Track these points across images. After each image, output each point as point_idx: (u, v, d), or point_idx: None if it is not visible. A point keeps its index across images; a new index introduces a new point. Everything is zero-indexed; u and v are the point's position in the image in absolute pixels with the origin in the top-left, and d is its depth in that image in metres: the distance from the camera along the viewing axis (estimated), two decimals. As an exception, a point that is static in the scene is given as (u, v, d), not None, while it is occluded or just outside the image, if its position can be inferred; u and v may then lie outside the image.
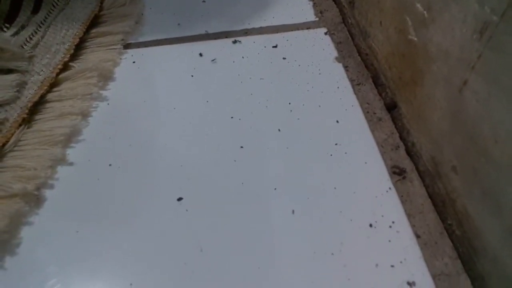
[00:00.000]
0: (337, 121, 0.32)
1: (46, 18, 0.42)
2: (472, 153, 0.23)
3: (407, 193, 0.27)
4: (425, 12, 0.26)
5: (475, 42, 0.21)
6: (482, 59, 0.21)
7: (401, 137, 0.31)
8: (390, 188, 0.27)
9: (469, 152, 0.23)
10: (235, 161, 0.30)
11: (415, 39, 0.28)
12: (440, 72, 0.25)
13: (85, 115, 0.35)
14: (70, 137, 0.33)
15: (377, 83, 0.36)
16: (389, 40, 0.33)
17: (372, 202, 0.27)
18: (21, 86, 0.35)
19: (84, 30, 0.41)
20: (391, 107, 0.33)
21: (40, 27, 0.41)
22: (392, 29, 0.32)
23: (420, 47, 0.28)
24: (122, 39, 0.41)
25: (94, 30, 0.42)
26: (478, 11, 0.21)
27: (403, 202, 0.26)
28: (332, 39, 0.41)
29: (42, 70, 0.37)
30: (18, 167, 0.30)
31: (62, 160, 0.31)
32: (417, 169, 0.29)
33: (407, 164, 0.29)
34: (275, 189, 0.28)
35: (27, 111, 0.34)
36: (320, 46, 0.40)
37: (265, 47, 0.40)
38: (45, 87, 0.36)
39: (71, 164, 0.31)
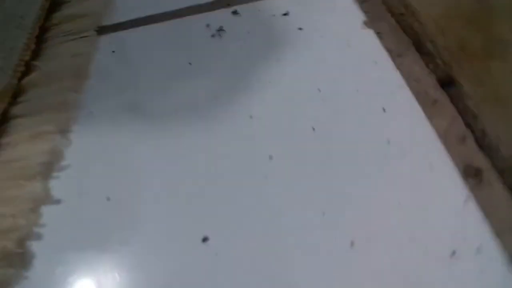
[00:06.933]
0: (384, 109, 0.26)
1: (-9, 3, 0.33)
2: None
3: (490, 203, 0.22)
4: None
5: None
6: None
7: (465, 124, 0.25)
8: (467, 198, 0.22)
9: None
10: (265, 178, 0.24)
11: (491, -3, 0.21)
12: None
13: (64, 131, 0.27)
14: (51, 165, 0.26)
15: (421, 51, 0.29)
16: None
17: (448, 220, 0.21)
18: (-26, 101, 0.28)
19: (44, 15, 0.33)
20: (445, 84, 0.27)
21: (-14, 16, 0.32)
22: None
23: (498, 8, 0.21)
24: (94, 23, 0.33)
25: (56, 14, 0.33)
26: None
27: (487, 216, 0.21)
28: (354, -4, 0.33)
29: (-2, 77, 0.29)
30: (-11, 215, 0.24)
31: (45, 198, 0.24)
32: (494, 166, 0.23)
33: (480, 160, 0.23)
34: (323, 214, 0.22)
35: (-13, 136, 0.26)
36: (341, 8, 0.32)
37: (274, 15, 0.33)
38: (7, 99, 0.28)
39: (58, 201, 0.24)
